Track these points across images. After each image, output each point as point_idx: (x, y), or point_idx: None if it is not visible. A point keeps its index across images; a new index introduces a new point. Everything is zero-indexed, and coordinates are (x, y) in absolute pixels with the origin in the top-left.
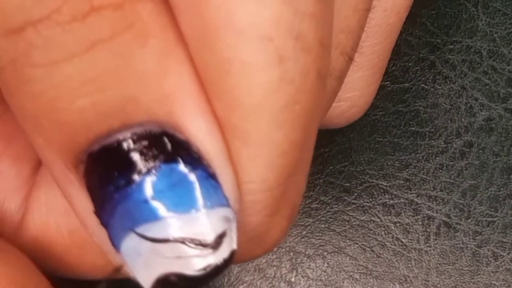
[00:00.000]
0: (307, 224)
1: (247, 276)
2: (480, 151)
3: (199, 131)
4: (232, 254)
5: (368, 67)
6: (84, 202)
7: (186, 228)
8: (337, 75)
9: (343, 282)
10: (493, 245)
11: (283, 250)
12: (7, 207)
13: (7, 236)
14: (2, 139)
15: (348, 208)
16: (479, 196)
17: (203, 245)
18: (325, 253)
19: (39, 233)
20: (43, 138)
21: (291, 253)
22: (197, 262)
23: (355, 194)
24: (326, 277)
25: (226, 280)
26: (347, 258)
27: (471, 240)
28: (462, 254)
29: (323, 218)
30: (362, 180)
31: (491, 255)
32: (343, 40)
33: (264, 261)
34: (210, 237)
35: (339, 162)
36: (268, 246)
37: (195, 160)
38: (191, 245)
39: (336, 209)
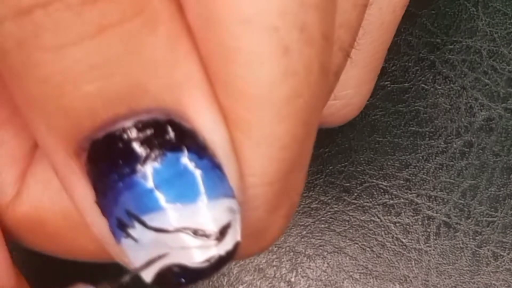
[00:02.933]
0: (307, 224)
1: (247, 276)
2: (480, 151)
3: (206, 121)
4: (236, 246)
5: (362, 65)
6: (85, 191)
7: (190, 219)
8: (334, 70)
9: (343, 282)
10: (493, 245)
11: (283, 250)
12: (3, 178)
13: None
14: (7, 107)
15: (348, 208)
16: (479, 196)
17: (207, 236)
18: (325, 253)
19: (32, 210)
20: (46, 125)
21: (291, 253)
22: (200, 253)
23: (355, 194)
24: (326, 277)
25: (226, 280)
26: (347, 258)
27: (471, 240)
28: (462, 254)
29: (323, 218)
30: (362, 180)
31: (491, 255)
32: (342, 35)
33: (264, 261)
34: (214, 228)
35: (339, 162)
36: (265, 244)
37: (201, 150)
38: (195, 236)
39: (336, 209)
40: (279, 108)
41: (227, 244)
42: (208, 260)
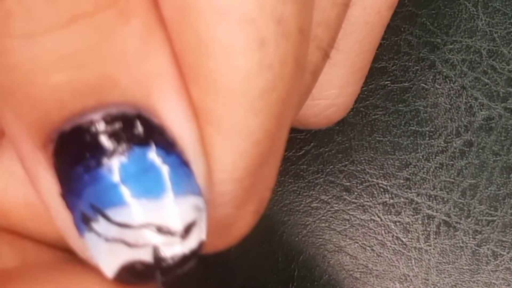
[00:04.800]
0: (307, 223)
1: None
2: (480, 150)
3: (175, 117)
4: (201, 244)
5: (346, 65)
6: (50, 183)
7: (154, 215)
8: (312, 69)
9: (343, 281)
10: (492, 244)
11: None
12: None
13: None
14: None
15: (349, 207)
16: (479, 195)
17: (171, 233)
18: (326, 252)
19: None
20: (14, 114)
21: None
22: (163, 251)
23: (356, 193)
24: (327, 276)
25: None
26: (347, 257)
27: (471, 239)
28: (462, 253)
29: (323, 217)
30: (362, 179)
31: (491, 254)
32: (320, 34)
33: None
34: (178, 225)
35: (340, 161)
36: (231, 240)
37: (169, 146)
38: (159, 232)
39: (336, 208)
40: (253, 102)
41: (192, 242)
42: (171, 258)
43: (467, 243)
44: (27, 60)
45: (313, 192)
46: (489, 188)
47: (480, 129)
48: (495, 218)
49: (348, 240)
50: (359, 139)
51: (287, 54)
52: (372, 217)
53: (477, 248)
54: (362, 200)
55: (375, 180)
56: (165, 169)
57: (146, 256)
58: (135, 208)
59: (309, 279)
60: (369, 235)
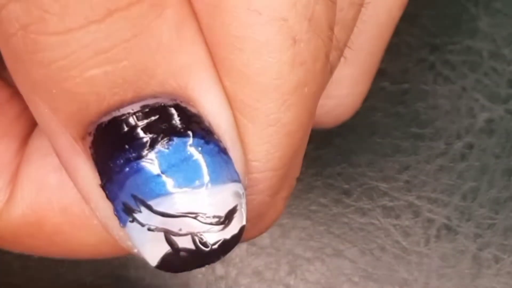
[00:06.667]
0: (305, 226)
1: (245, 279)
2: (481, 152)
3: (212, 105)
4: (242, 230)
5: (356, 65)
6: (89, 175)
7: (196, 203)
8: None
9: (342, 286)
10: (494, 248)
11: (281, 252)
12: None
13: None
14: None
15: (348, 210)
16: (479, 198)
17: (213, 220)
18: (324, 256)
19: (28, 210)
20: (50, 108)
21: (290, 256)
22: (206, 238)
23: (355, 196)
24: (325, 280)
25: (223, 283)
26: (347, 261)
27: (472, 242)
28: (463, 257)
29: (322, 221)
30: (362, 182)
31: (492, 258)
32: (337, 34)
33: (262, 263)
34: (220, 213)
35: (338, 163)
36: (263, 228)
37: (207, 134)
38: (201, 220)
39: (335, 211)
40: (286, 96)
41: (233, 229)
42: (214, 245)
43: (468, 247)
44: (64, 56)
45: (312, 195)
46: (490, 191)
47: (481, 131)
48: (496, 221)
49: (347, 243)
50: (358, 141)
51: (319, 50)
52: (372, 221)
53: (478, 251)
54: (361, 203)
55: (374, 182)
56: (204, 158)
57: (189, 243)
58: (177, 198)
59: (308, 283)
60: (369, 239)
